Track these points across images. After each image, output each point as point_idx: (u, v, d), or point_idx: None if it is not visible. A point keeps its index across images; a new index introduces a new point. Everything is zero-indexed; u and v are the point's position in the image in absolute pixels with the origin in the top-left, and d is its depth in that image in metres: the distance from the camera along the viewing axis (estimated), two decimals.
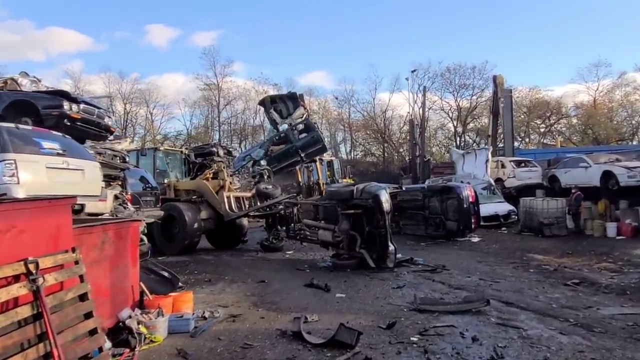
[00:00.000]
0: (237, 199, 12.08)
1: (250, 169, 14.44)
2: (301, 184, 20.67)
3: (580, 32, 62.57)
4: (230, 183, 12.31)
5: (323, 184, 20.68)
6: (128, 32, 68.64)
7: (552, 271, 8.66)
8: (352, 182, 22.23)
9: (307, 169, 20.87)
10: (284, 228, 11.99)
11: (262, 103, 17.81)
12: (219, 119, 48.79)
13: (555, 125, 47.63)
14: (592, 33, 62.06)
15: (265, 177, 13.65)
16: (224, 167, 12.66)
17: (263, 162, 14.84)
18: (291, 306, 6.13)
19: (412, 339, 4.76)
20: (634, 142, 40.93)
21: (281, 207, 12.25)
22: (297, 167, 18.81)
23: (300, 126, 15.67)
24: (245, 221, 12.70)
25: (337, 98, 50.29)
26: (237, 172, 13.89)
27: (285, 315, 5.66)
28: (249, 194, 12.53)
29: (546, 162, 20.14)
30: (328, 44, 68.55)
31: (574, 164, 15.87)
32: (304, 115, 16.17)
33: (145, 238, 7.70)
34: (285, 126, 15.69)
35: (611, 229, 12.79)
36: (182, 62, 75.63)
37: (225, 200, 11.69)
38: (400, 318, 5.47)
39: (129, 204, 8.03)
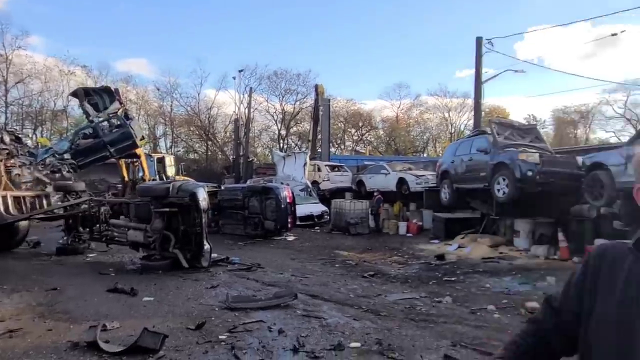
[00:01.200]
0: (16, 198, 10.14)
1: (52, 162, 12.72)
2: (126, 180, 19.08)
3: (387, 55, 71.87)
4: (11, 178, 10.35)
5: (151, 180, 19.37)
6: None
7: (354, 265, 9.66)
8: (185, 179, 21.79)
9: (133, 164, 19.11)
10: (87, 229, 10.70)
11: (74, 94, 16.51)
12: (5, 99, 40.76)
13: (366, 135, 53.56)
14: (396, 56, 71.88)
15: (65, 171, 12.02)
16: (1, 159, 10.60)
17: (67, 156, 13.51)
18: (88, 315, 5.48)
19: (220, 337, 4.73)
20: (425, 155, 48.73)
21: (84, 206, 10.91)
22: (123, 162, 17.56)
23: (114, 121, 14.70)
24: (24, 222, 10.80)
25: (158, 89, 47.24)
26: (28, 165, 11.85)
27: (80, 325, 5.03)
28: (32, 193, 10.69)
29: (356, 167, 22.46)
30: (151, 30, 64.23)
31: (377, 170, 18.11)
32: (119, 110, 15.22)
33: None
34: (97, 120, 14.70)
35: (402, 227, 14.94)
36: None
37: (0, 200, 9.71)
38: (210, 318, 5.40)
39: None
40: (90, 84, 42.59)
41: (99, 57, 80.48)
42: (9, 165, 14.27)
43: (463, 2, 68.56)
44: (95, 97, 15.40)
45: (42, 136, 39.30)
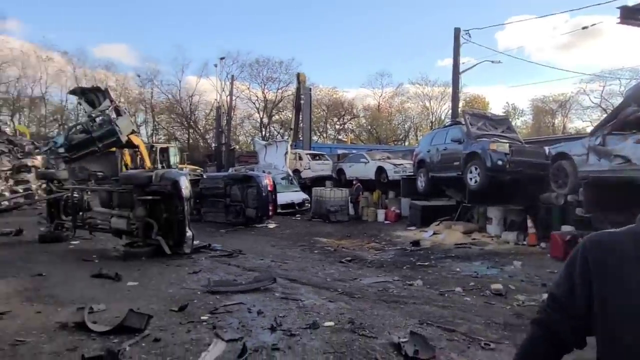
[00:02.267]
0: None
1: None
2: (129, 169, 20.18)
3: (370, 43, 72.03)
4: None
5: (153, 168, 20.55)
6: None
7: (332, 251, 10.02)
8: (192, 168, 24.74)
9: (136, 153, 21.94)
10: (70, 217, 10.80)
11: (73, 92, 19.10)
12: None
13: (348, 124, 53.82)
14: (379, 44, 72.08)
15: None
16: None
17: (61, 150, 15.63)
18: (74, 298, 5.70)
19: (202, 318, 5.02)
20: (406, 143, 49.28)
21: (67, 193, 11.00)
22: (127, 152, 20.89)
23: (105, 117, 16.37)
24: None
25: (139, 76, 46.79)
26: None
27: (67, 308, 5.26)
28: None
29: (336, 156, 22.78)
30: (131, 15, 63.01)
31: (356, 159, 18.48)
32: (109, 108, 16.86)
33: None
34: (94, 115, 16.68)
35: (381, 215, 15.38)
36: None
37: None
38: (193, 300, 5.67)
39: None
40: (69, 70, 41.91)
41: (78, 42, 79.08)
42: None
43: None
44: (91, 94, 17.24)
45: (19, 123, 38.61)
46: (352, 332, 4.68)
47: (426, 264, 8.75)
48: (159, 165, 22.84)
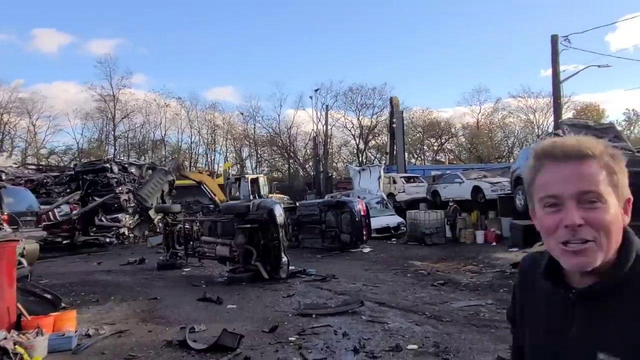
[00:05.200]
0: None
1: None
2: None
3: (465, 60, 69.91)
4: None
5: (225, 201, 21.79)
6: (14, 36, 62.77)
7: (426, 275, 9.78)
8: (280, 197, 26.00)
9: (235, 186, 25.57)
10: (182, 246, 11.97)
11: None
12: (114, 133, 46.13)
13: (447, 144, 52.24)
14: (474, 61, 69.64)
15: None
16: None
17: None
18: (181, 319, 6.33)
19: (290, 339, 5.27)
20: (511, 160, 46.22)
21: (179, 225, 12.25)
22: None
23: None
24: None
25: (242, 114, 50.49)
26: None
27: (174, 327, 5.87)
28: None
29: (431, 177, 22.26)
30: (235, 60, 68.96)
31: (451, 179, 17.88)
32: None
33: (24, 261, 7.39)
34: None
35: (479, 236, 14.62)
36: (75, 71, 71.13)
37: None
38: (284, 322, 5.98)
39: (4, 224, 7.63)
40: (183, 113, 46.75)
41: (191, 88, 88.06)
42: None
43: None
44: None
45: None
46: (435, 356, 4.59)
47: None
48: (251, 196, 24.10)
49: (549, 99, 43.39)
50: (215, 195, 21.71)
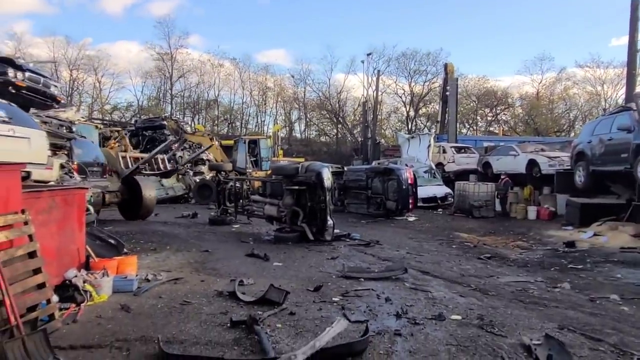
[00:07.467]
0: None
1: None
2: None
3: (528, 26, 65.61)
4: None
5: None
6: None
7: (472, 247, 9.67)
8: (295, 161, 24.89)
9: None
10: (232, 204, 12.41)
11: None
12: (171, 92, 47.58)
13: (502, 115, 50.02)
14: (538, 27, 65.28)
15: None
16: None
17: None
18: (230, 272, 6.65)
19: (333, 299, 5.43)
20: (571, 135, 43.72)
21: (230, 183, 12.66)
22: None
23: None
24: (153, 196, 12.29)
25: (293, 77, 50.39)
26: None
27: (224, 279, 6.18)
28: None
29: (484, 149, 21.53)
30: (287, 22, 68.26)
31: (505, 152, 17.23)
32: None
33: (91, 208, 7.94)
34: None
35: (532, 212, 14.15)
36: (137, 30, 73.35)
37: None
38: (327, 283, 6.13)
39: (75, 173, 8.19)
40: (236, 74, 47.47)
41: (244, 50, 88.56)
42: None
43: None
44: None
45: (198, 123, 45.14)
46: (479, 328, 4.58)
47: (579, 267, 7.89)
48: (248, 158, 22.94)
49: (621, 70, 40.42)
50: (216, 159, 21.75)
